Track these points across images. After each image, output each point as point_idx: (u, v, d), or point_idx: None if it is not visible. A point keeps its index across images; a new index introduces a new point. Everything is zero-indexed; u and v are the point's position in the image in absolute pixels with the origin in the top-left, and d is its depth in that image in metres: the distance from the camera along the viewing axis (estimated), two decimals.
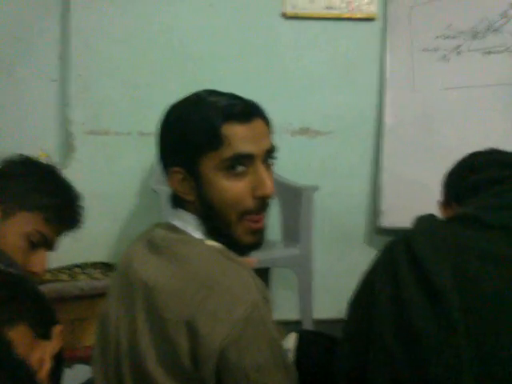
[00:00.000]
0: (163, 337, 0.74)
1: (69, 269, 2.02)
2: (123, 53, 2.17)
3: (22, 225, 1.01)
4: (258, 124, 0.84)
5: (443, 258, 0.76)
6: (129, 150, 2.18)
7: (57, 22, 2.13)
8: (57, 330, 0.66)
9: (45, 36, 2.13)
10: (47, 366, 0.62)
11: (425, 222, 0.86)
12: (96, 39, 2.15)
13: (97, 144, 2.18)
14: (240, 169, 0.81)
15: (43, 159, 2.07)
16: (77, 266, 2.05)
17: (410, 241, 0.80)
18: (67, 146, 2.16)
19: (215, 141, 0.80)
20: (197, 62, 2.17)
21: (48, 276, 1.92)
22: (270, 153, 0.86)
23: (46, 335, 0.66)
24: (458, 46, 2.17)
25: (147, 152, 2.07)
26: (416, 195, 2.16)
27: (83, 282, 1.87)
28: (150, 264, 0.81)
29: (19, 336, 0.60)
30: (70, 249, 2.14)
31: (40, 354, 0.62)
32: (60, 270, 2.00)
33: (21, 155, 1.09)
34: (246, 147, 0.81)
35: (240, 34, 2.22)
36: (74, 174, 2.12)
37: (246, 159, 0.81)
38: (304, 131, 2.29)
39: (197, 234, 0.85)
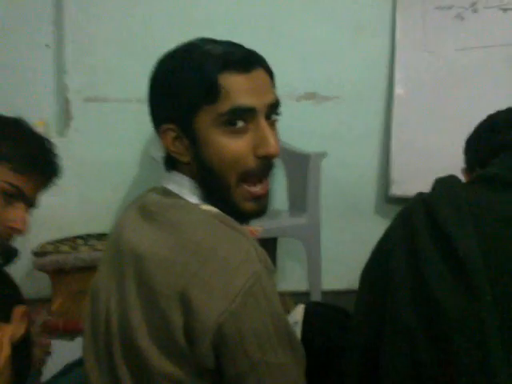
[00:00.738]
0: (155, 311, 0.68)
1: (71, 240, 1.99)
2: (121, 17, 2.08)
3: None
4: (259, 74, 0.75)
5: (466, 221, 0.69)
6: (128, 118, 2.10)
7: None
8: (18, 311, 0.59)
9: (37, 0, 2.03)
10: (5, 352, 0.56)
11: (445, 184, 0.79)
12: (91, 2, 2.05)
13: (95, 111, 2.10)
14: (240, 124, 0.73)
15: (40, 128, 2.03)
16: (79, 237, 2.03)
17: (430, 204, 0.73)
18: (65, 114, 2.09)
19: (211, 92, 0.72)
20: (200, 27, 2.07)
21: (49, 248, 1.89)
22: (273, 108, 0.77)
23: (7, 318, 0.59)
24: (474, 3, 2.05)
25: (147, 119, 1.98)
26: (428, 163, 2.09)
27: (85, 254, 1.85)
28: (142, 232, 0.74)
29: None
30: (72, 220, 2.14)
31: None
32: (62, 241, 1.97)
33: None
34: (246, 99, 0.72)
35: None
36: (73, 143, 2.12)
37: (246, 113, 0.73)
38: (310, 96, 2.20)
39: (193, 198, 0.77)
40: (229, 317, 0.64)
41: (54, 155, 1.06)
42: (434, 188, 0.80)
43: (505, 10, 2.01)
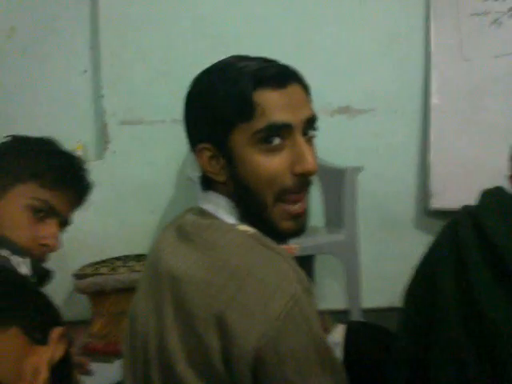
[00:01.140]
0: (192, 335, 0.66)
1: (110, 262, 2.01)
2: (154, 40, 2.12)
3: (20, 197, 0.98)
4: (294, 90, 0.74)
5: None
6: (163, 139, 2.13)
7: (86, 11, 2.10)
8: (55, 333, 0.58)
9: (74, 26, 2.10)
10: (43, 375, 0.55)
11: (492, 196, 0.75)
12: (126, 27, 2.11)
13: (131, 133, 2.14)
14: (276, 141, 0.71)
15: (79, 152, 2.08)
16: (118, 258, 2.04)
17: (478, 217, 0.70)
18: (102, 137, 2.14)
19: (246, 110, 0.70)
20: (230, 46, 2.08)
21: (89, 270, 1.91)
22: (310, 123, 0.75)
23: (45, 340, 0.58)
24: (511, 8, 1.99)
25: (182, 139, 2.00)
26: (468, 174, 2.03)
27: (124, 275, 1.86)
28: (179, 253, 0.73)
29: (10, 341, 0.53)
30: (111, 242, 2.16)
31: (35, 362, 0.55)
32: (101, 263, 1.99)
33: (11, 135, 1.06)
34: (281, 116, 0.71)
35: (275, 12, 2.13)
36: (110, 165, 2.16)
37: (282, 130, 0.71)
38: (344, 110, 2.18)
39: (229, 218, 0.76)
40: (268, 341, 0.62)
41: (84, 171, 1.07)
42: (480, 200, 0.76)
43: None
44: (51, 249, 1.01)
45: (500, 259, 0.65)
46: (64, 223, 1.04)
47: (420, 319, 0.74)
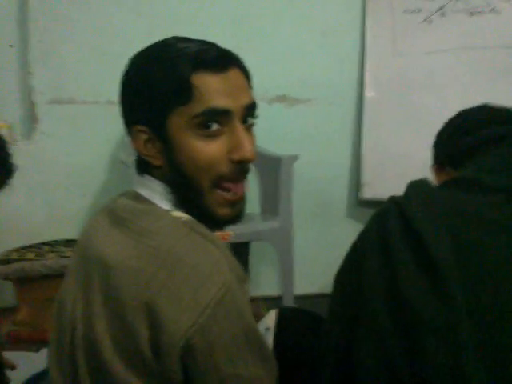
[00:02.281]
0: (121, 322, 0.65)
1: (37, 247, 1.93)
2: (89, 16, 2.03)
3: None
4: (235, 74, 0.72)
5: (441, 225, 0.69)
6: (96, 120, 2.06)
7: None
8: None
9: None
10: None
11: (418, 187, 0.78)
12: (57, 1, 1.99)
13: (62, 114, 2.04)
14: (214, 127, 0.70)
15: (4, 130, 1.97)
16: (46, 243, 1.96)
17: (403, 207, 0.72)
18: (30, 117, 2.03)
19: (184, 93, 0.68)
20: (169, 28, 2.03)
21: (14, 255, 1.82)
22: (250, 110, 0.74)
23: None
24: (442, 7, 2.08)
25: (116, 122, 1.93)
26: (399, 165, 2.10)
27: (52, 261, 1.79)
28: (110, 238, 0.71)
29: None
30: (40, 226, 2.07)
31: None
32: (27, 248, 1.91)
33: None
34: (220, 101, 0.69)
35: None
36: (39, 147, 2.06)
37: (220, 116, 0.70)
38: (281, 99, 2.19)
39: (165, 204, 0.74)
40: (198, 330, 0.61)
41: (6, 153, 1.01)
42: (406, 191, 0.79)
43: (472, 13, 2.04)
44: None
45: (422, 247, 0.67)
46: None
47: (347, 305, 0.76)
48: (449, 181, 0.82)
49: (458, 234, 0.68)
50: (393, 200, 0.77)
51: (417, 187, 0.79)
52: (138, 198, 0.76)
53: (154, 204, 0.74)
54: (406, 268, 0.68)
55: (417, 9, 2.11)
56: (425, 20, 2.10)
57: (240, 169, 0.73)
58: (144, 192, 0.76)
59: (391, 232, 0.71)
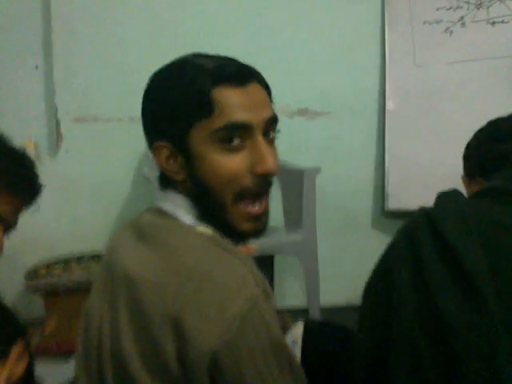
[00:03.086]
0: (147, 337, 0.65)
1: (64, 261, 1.96)
2: (108, 36, 2.07)
3: None
4: (255, 88, 0.73)
5: (472, 235, 0.67)
6: (119, 137, 2.09)
7: (38, 6, 2.02)
8: (15, 351, 0.55)
9: (25, 21, 2.02)
10: None
11: (449, 197, 0.77)
12: (79, 23, 2.04)
13: (86, 131, 2.08)
14: (236, 142, 0.70)
15: (31, 149, 2.01)
16: (72, 258, 1.99)
17: (434, 218, 0.71)
18: (55, 135, 2.07)
19: (204, 107, 0.69)
20: (190, 44, 2.06)
21: (42, 269, 1.86)
22: (271, 124, 0.74)
23: (7, 353, 0.56)
24: (462, 17, 2.07)
25: (139, 138, 1.96)
26: (423, 176, 2.09)
27: (78, 275, 1.82)
28: (136, 254, 0.72)
29: None
30: (66, 242, 2.10)
31: None
32: (55, 262, 1.94)
33: None
34: (241, 115, 0.69)
35: (235, 12, 2.13)
36: (64, 164, 2.10)
37: (242, 130, 0.70)
38: (302, 112, 2.20)
39: (188, 218, 0.74)
40: (225, 344, 0.61)
41: (33, 174, 0.98)
42: (436, 202, 0.78)
43: (492, 23, 2.03)
44: None
45: (455, 259, 0.66)
46: (9, 227, 0.96)
47: (377, 318, 0.75)
48: (480, 191, 0.81)
49: (493, 246, 0.67)
50: (422, 211, 0.76)
51: (447, 198, 0.78)
52: (161, 213, 0.76)
53: (177, 218, 0.74)
54: (440, 280, 0.67)
55: (436, 20, 2.10)
56: (445, 31, 2.10)
57: (263, 182, 0.73)
58: (167, 207, 0.76)
59: (422, 244, 0.70)
